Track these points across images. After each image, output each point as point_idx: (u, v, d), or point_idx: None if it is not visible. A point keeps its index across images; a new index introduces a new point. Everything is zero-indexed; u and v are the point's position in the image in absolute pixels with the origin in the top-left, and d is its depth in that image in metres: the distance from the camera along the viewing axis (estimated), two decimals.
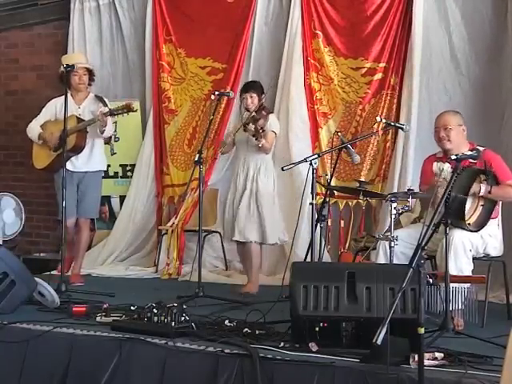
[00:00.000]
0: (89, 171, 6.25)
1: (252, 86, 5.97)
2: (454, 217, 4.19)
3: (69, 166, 6.01)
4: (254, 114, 5.76)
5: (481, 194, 4.51)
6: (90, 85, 6.36)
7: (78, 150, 6.10)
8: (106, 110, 6.06)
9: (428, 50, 6.39)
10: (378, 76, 6.62)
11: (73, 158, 6.12)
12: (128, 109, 6.06)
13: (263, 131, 5.63)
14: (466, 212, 4.49)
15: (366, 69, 6.67)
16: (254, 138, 5.64)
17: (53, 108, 6.32)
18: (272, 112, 6.12)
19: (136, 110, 6.53)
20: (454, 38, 6.30)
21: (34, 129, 6.33)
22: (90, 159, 6.24)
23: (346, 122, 6.78)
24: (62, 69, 6.09)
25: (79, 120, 6.12)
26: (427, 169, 4.90)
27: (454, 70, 6.31)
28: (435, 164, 4.64)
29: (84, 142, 6.13)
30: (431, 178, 4.64)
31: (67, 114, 5.79)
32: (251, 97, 5.86)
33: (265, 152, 5.80)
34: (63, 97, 5.93)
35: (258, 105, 5.82)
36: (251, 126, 5.69)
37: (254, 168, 5.86)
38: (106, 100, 6.29)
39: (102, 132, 6.11)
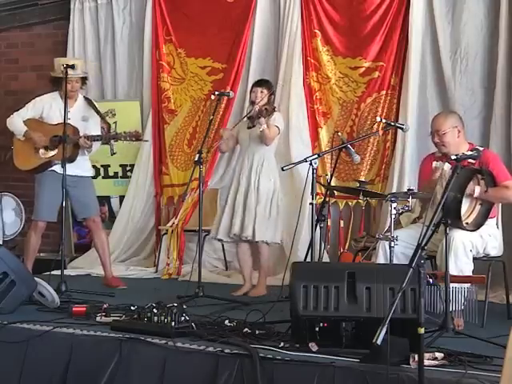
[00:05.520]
0: (83, 175, 6.05)
1: (265, 83, 6.03)
2: (450, 216, 4.18)
3: (57, 168, 5.91)
4: (258, 107, 5.79)
5: (475, 195, 4.50)
6: (81, 88, 6.15)
7: (72, 159, 5.87)
8: (97, 134, 5.95)
9: (427, 50, 6.39)
10: (375, 75, 6.61)
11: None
12: (136, 138, 5.95)
13: (267, 111, 5.68)
14: (463, 212, 4.49)
15: (364, 68, 6.66)
16: (258, 120, 5.67)
17: (40, 107, 6.04)
18: (278, 110, 6.10)
19: (147, 140, 6.70)
20: (453, 38, 6.29)
21: (18, 124, 6.00)
22: (80, 165, 6.01)
23: (341, 121, 6.78)
24: (55, 73, 5.95)
25: (75, 130, 5.90)
26: (426, 167, 4.89)
27: (453, 70, 6.30)
28: (435, 163, 4.63)
29: (77, 153, 5.93)
30: (430, 176, 4.63)
31: (67, 115, 5.71)
32: (262, 92, 5.88)
33: (265, 142, 5.73)
34: (53, 96, 5.83)
35: (265, 102, 5.85)
36: (255, 111, 5.76)
37: (255, 165, 5.82)
38: (95, 104, 6.15)
39: (87, 151, 6.01)
